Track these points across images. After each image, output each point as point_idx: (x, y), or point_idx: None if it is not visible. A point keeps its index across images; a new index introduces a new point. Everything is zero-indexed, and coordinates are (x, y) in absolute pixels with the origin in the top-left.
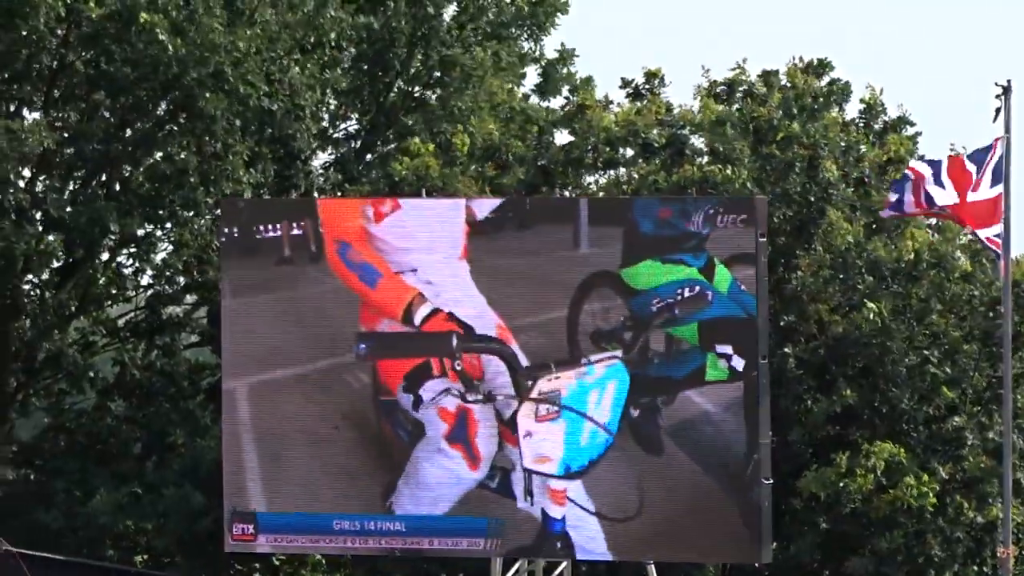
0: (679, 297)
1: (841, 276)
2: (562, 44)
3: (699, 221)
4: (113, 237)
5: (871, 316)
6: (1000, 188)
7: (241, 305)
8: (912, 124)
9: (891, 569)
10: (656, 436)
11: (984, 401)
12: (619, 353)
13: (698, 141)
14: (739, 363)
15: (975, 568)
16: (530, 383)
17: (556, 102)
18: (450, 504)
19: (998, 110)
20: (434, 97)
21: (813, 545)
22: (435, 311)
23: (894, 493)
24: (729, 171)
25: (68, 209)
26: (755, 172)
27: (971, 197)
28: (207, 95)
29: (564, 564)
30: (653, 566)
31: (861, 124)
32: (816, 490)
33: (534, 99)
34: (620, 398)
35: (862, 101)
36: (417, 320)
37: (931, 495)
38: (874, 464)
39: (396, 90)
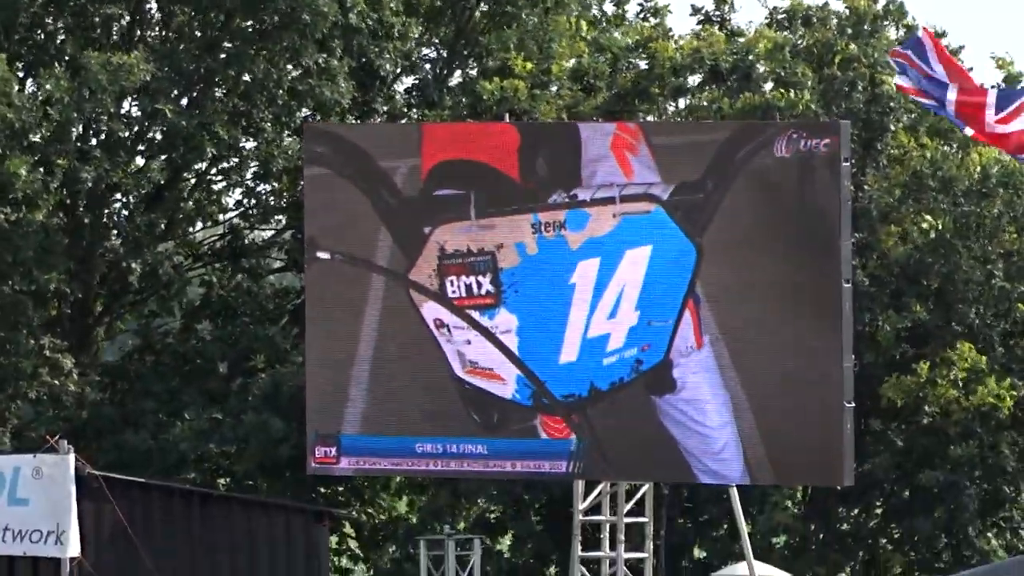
0: None
1: (913, 196)
2: None
3: (782, 146)
4: (212, 152)
5: (930, 231)
6: None
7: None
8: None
9: (963, 479)
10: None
11: None
12: None
13: (762, 67)
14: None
15: None
16: None
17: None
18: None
19: None
20: (515, 24)
21: (890, 463)
22: None
23: (973, 399)
24: (792, 95)
25: (171, 119)
26: (817, 95)
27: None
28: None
29: (646, 487)
30: (735, 489)
31: None
32: (895, 396)
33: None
34: None
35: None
36: None
37: (1007, 399)
38: (955, 374)
39: (479, 12)
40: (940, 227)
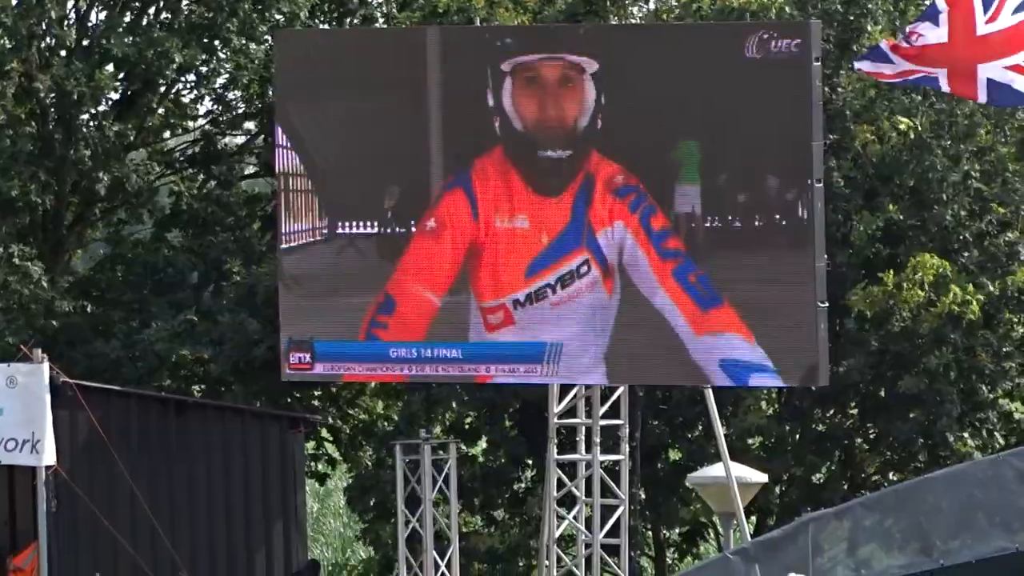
0: None
1: (886, 96)
2: None
3: (753, 47)
4: (173, 68)
5: (906, 130)
6: None
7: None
8: None
9: (943, 385)
10: None
11: None
12: None
13: None
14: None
15: None
16: None
17: None
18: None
19: None
20: None
21: (865, 365)
22: None
23: (940, 306)
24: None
25: (128, 41)
26: None
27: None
28: None
29: (620, 390)
30: (710, 390)
31: None
32: (864, 308)
33: None
34: None
35: None
36: None
37: (974, 304)
38: (921, 278)
39: None
40: (919, 126)
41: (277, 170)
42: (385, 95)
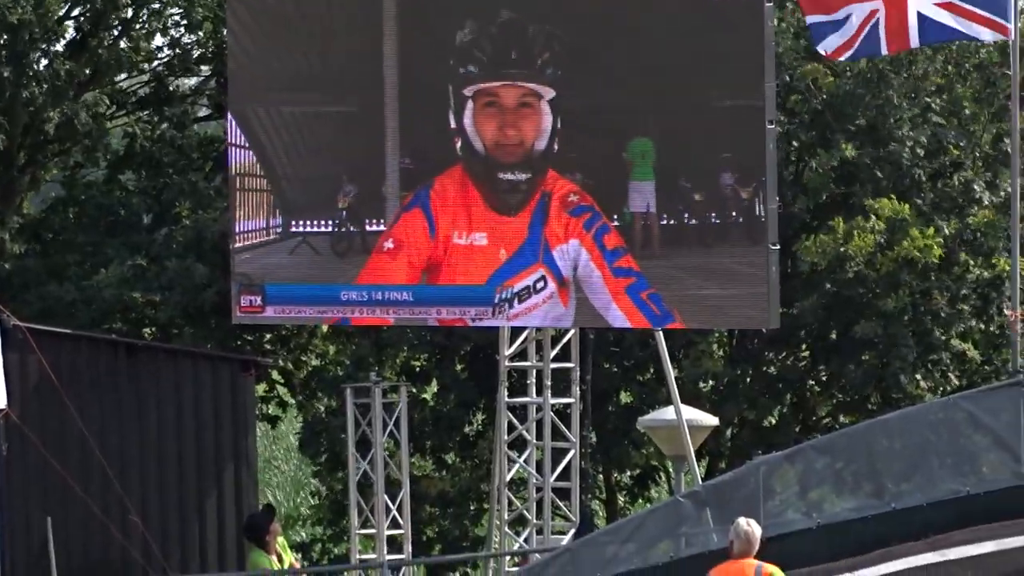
0: None
1: None
2: None
3: None
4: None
5: (865, 66)
6: None
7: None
8: None
9: (898, 329)
10: None
11: (991, 160)
12: None
13: None
14: None
15: (981, 327)
16: None
17: None
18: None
19: None
20: None
21: (817, 307)
22: None
23: (897, 250)
24: None
25: None
26: None
27: None
28: None
29: (572, 333)
30: (661, 334)
31: None
32: (814, 259)
33: None
34: None
35: None
36: None
37: (935, 248)
38: (874, 225)
39: None
40: (874, 61)
41: (232, 170)
42: (342, 90)
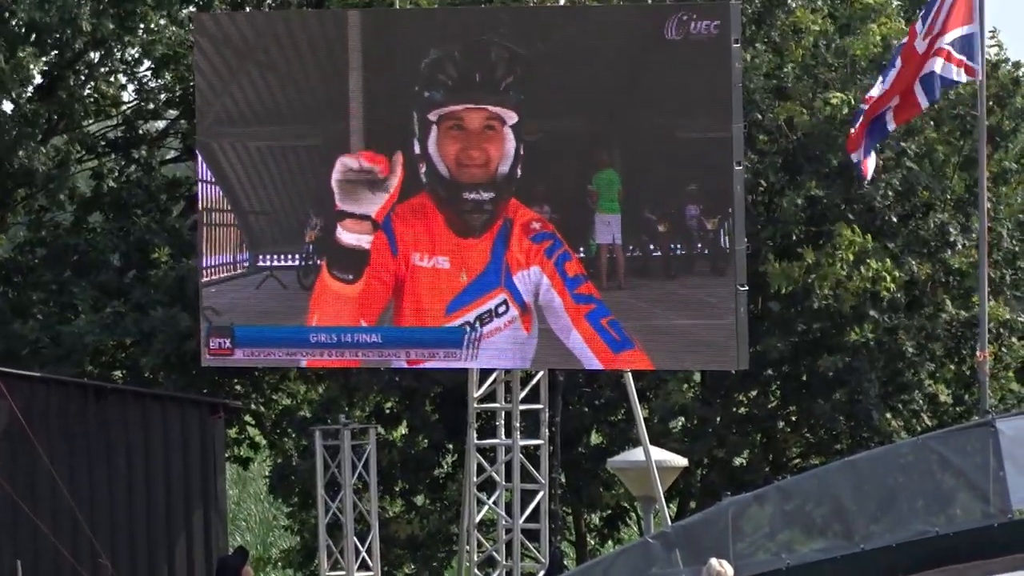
0: None
1: (809, 73)
2: None
3: (672, 28)
4: (85, 40)
5: (840, 105)
6: None
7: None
8: None
9: (863, 364)
10: None
11: (963, 203)
12: None
13: None
14: None
15: (952, 368)
16: None
17: None
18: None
19: None
20: None
21: (786, 344)
22: None
23: (856, 279)
24: None
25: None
26: None
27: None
28: None
29: (540, 374)
30: (630, 374)
31: None
32: (780, 285)
33: None
34: None
35: None
36: None
37: (888, 279)
38: (841, 255)
39: None
40: (851, 101)
41: (200, 205)
42: (308, 124)
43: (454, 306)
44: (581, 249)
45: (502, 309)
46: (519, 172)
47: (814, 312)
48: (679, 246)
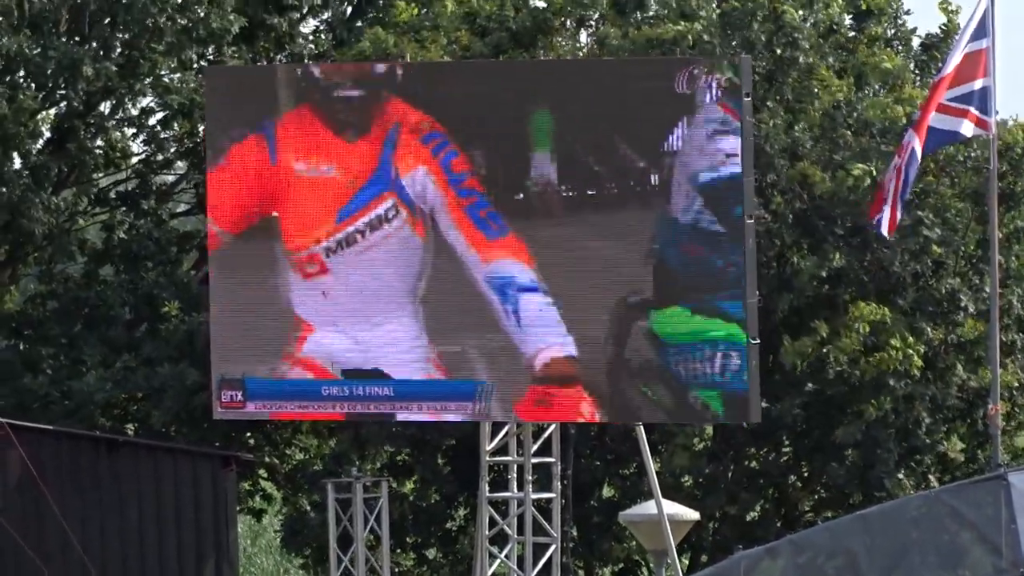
0: None
1: (827, 136)
2: None
3: (683, 82)
4: (87, 88)
5: (862, 176)
6: (984, 42)
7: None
8: None
9: (880, 435)
10: None
11: (975, 261)
12: None
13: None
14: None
15: (964, 429)
16: None
17: None
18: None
19: None
20: None
21: (800, 406)
22: None
23: (880, 356)
24: (681, 26)
25: (38, 57)
26: (713, 25)
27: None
28: None
29: (552, 427)
30: (641, 427)
31: None
32: (794, 360)
33: None
34: None
35: None
36: None
37: (916, 357)
38: (859, 327)
39: None
40: (874, 171)
41: None
42: None
43: (343, 215)
44: None
45: (391, 214)
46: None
47: (828, 380)
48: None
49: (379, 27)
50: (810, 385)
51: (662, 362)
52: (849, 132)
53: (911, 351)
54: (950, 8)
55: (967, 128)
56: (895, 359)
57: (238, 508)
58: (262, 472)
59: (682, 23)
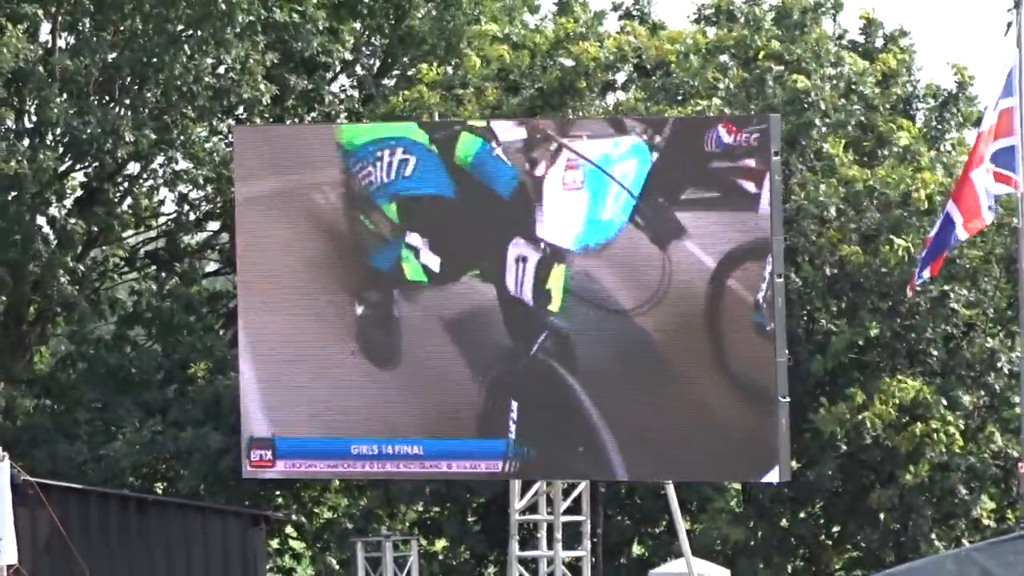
0: None
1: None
2: None
3: (712, 141)
4: (124, 152)
5: (900, 252)
6: (1012, 100)
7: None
8: (906, 34)
9: (916, 500)
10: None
11: (1005, 321)
12: None
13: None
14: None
15: (994, 489)
16: None
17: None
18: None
19: (1009, 24)
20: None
21: (835, 469)
22: None
23: (920, 428)
24: (704, 103)
25: (75, 122)
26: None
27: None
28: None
29: (583, 486)
30: (671, 486)
31: (860, 39)
32: (830, 428)
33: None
34: None
35: (862, 18)
36: None
37: (957, 434)
38: (894, 394)
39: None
40: (911, 247)
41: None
42: None
43: None
44: None
45: None
46: None
47: (864, 445)
48: None
49: (422, 86)
50: (843, 447)
51: None
52: (873, 205)
53: (952, 429)
54: (961, 67)
55: (997, 187)
56: (938, 440)
57: (267, 567)
58: (290, 531)
59: (703, 99)
